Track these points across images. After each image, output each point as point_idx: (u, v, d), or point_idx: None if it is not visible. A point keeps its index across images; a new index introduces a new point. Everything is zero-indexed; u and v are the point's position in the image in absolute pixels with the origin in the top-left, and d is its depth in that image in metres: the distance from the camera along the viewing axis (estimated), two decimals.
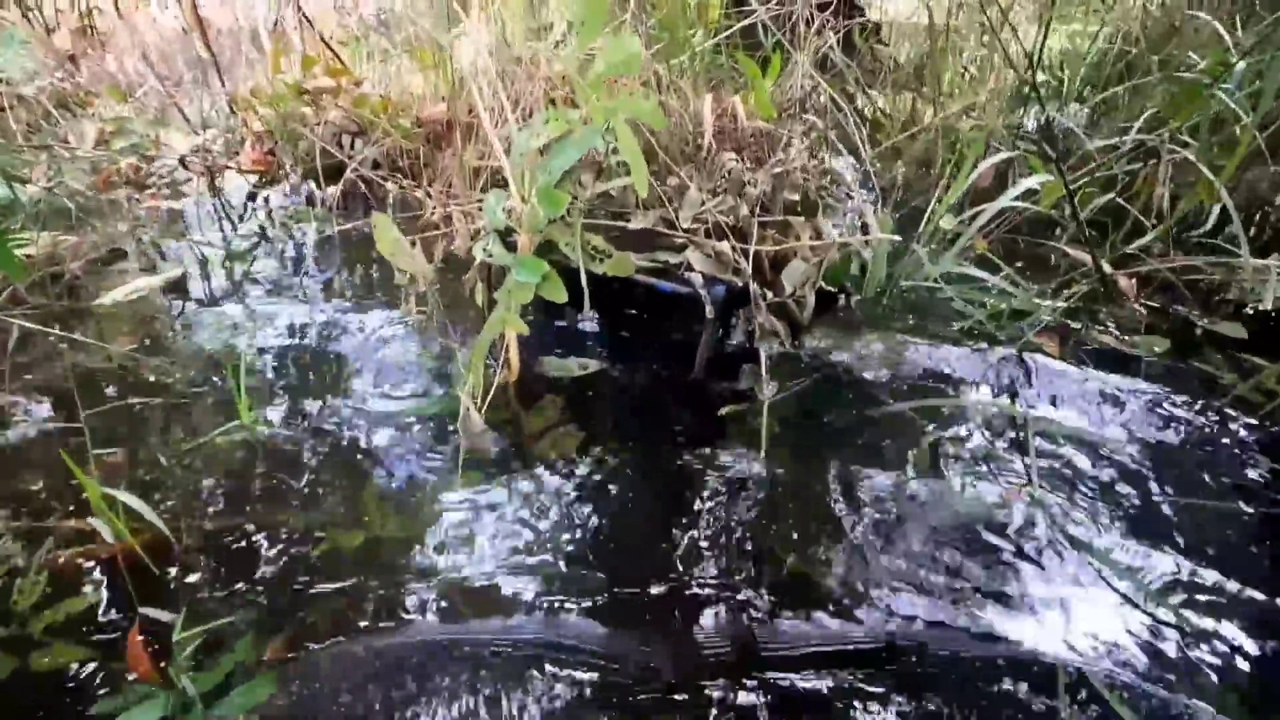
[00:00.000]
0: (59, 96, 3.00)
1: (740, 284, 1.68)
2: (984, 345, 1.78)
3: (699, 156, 2.42)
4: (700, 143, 2.51)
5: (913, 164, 2.75)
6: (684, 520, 1.29)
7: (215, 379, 1.62)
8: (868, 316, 1.89)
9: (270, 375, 1.67)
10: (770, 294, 1.75)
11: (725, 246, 1.70)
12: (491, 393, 1.58)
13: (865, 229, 1.98)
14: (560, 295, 1.48)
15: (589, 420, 1.56)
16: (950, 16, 2.98)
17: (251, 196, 2.74)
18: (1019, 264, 2.14)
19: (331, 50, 3.19)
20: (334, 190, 2.64)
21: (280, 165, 2.85)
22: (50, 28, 3.27)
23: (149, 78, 3.01)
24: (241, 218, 2.54)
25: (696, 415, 1.57)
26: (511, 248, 1.56)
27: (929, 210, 2.30)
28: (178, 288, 2.06)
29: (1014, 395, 1.61)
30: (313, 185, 2.81)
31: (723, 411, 1.58)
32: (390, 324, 1.85)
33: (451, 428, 1.53)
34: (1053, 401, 1.60)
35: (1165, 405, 1.59)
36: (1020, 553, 1.23)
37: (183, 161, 2.82)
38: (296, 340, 1.80)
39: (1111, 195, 2.06)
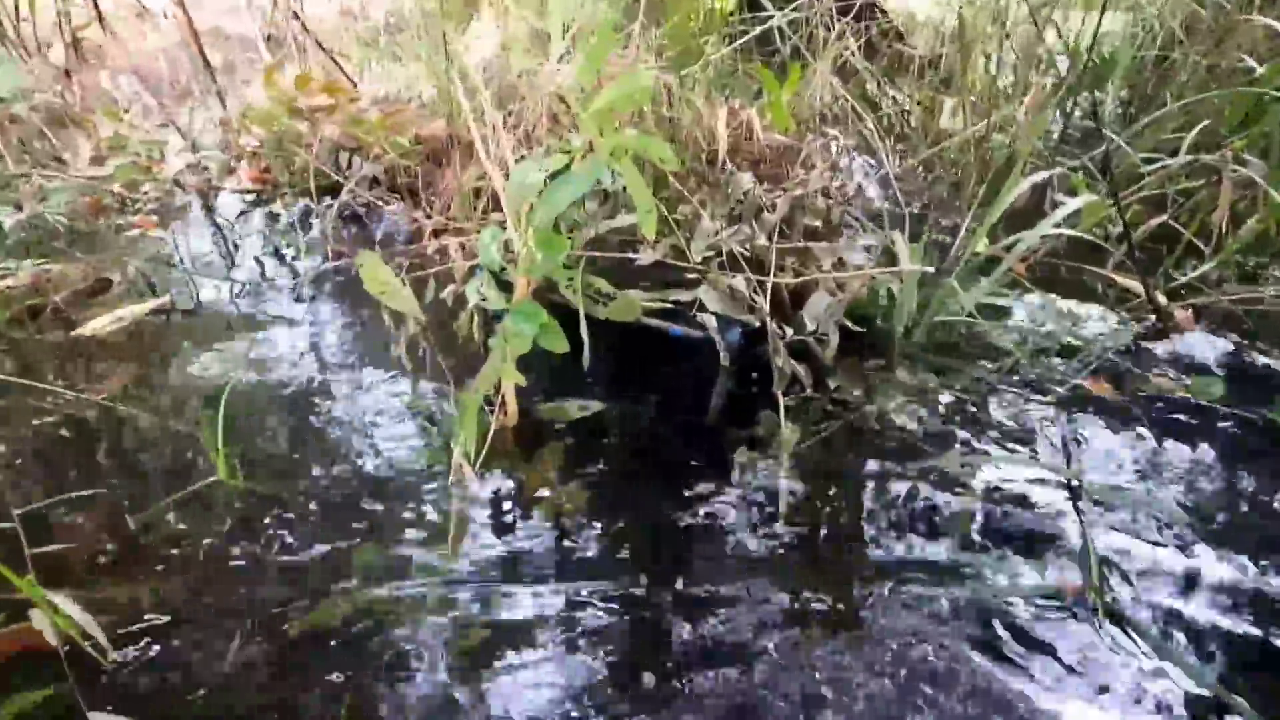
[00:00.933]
0: (53, 114, 2.91)
1: (758, 324, 1.54)
2: (1026, 389, 1.63)
3: (713, 174, 2.28)
4: (714, 158, 2.37)
5: (942, 179, 2.59)
6: (683, 624, 1.14)
7: (193, 426, 1.51)
8: (897, 354, 1.74)
9: (254, 422, 1.56)
10: (790, 332, 1.61)
11: (741, 282, 1.56)
12: (488, 441, 1.46)
13: (893, 257, 1.83)
14: (560, 346, 1.34)
15: (591, 474, 1.43)
16: (979, 17, 2.81)
17: (246, 217, 2.63)
18: (1061, 292, 1.98)
19: (335, 62, 3.08)
20: (331, 211, 2.52)
21: (276, 184, 2.74)
22: (42, 44, 3.19)
23: (144, 94, 2.91)
24: (235, 245, 2.43)
25: (709, 468, 1.43)
26: (508, 287, 1.43)
27: (961, 232, 2.14)
28: (163, 318, 1.95)
29: (1065, 454, 1.45)
30: (310, 204, 2.70)
31: (738, 461, 1.45)
32: (383, 366, 1.73)
33: (445, 484, 1.40)
34: (1106, 460, 1.45)
35: (1228, 464, 1.43)
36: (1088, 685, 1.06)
37: (177, 181, 2.73)
38: (283, 381, 1.69)
39: (1164, 217, 1.89)
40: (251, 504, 1.34)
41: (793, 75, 2.50)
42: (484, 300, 1.41)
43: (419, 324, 1.59)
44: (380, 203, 2.57)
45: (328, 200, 2.50)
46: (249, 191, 2.78)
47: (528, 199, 1.38)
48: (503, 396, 1.50)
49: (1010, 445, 1.49)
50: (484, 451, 1.43)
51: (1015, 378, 1.66)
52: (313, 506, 1.34)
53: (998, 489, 1.37)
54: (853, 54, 2.81)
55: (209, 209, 2.65)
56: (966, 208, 2.31)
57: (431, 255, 2.25)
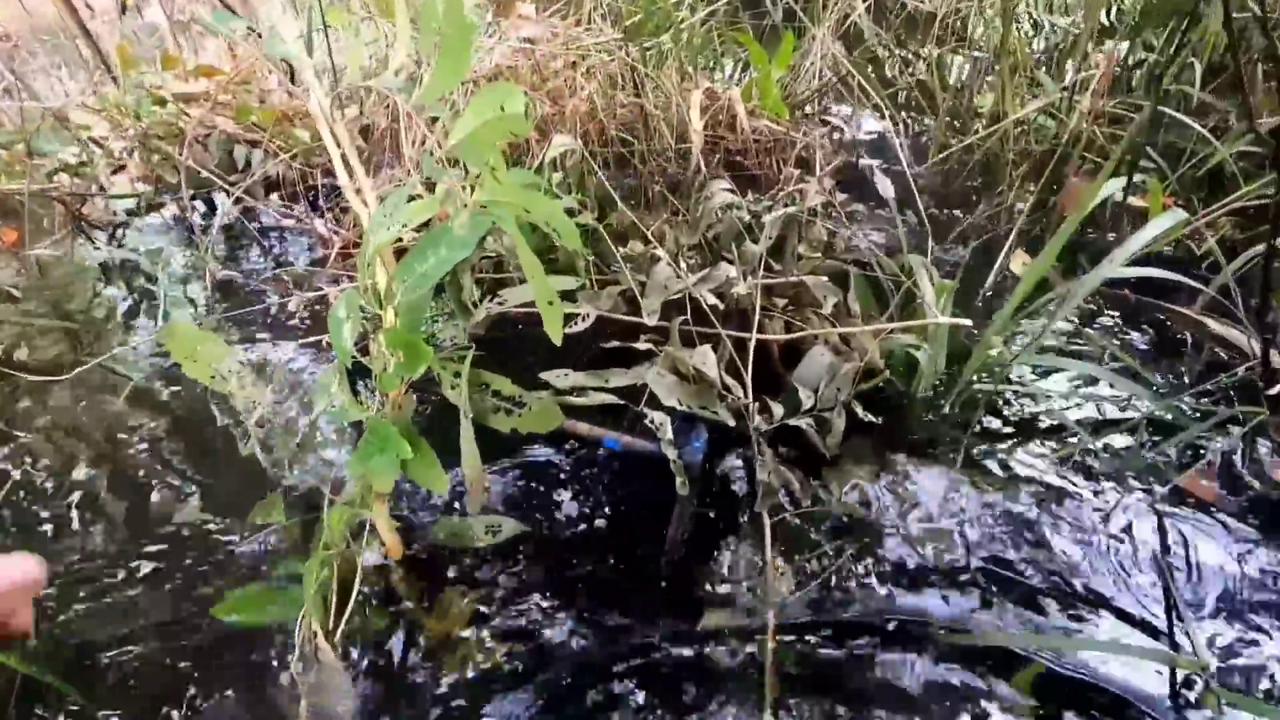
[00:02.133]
0: None
1: (731, 420, 1.10)
2: (1102, 494, 1.20)
3: (684, 176, 1.82)
4: (686, 153, 1.90)
5: (972, 179, 2.11)
6: None
7: None
8: (921, 436, 1.31)
9: (47, 533, 1.14)
10: (777, 413, 1.17)
11: (708, 359, 1.12)
12: (355, 590, 1.04)
13: (910, 297, 1.38)
14: (438, 484, 0.92)
15: (498, 634, 1.02)
16: None
17: (122, 231, 2.17)
18: (1131, 339, 1.54)
19: (228, 44, 2.57)
20: (216, 222, 2.06)
21: (164, 186, 2.27)
22: None
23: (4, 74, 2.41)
24: (104, 267, 1.98)
25: (666, 631, 1.02)
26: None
27: (1000, 257, 1.68)
28: None
29: (1171, 614, 1.03)
30: (201, 210, 2.24)
31: (705, 625, 1.03)
32: (222, 473, 1.29)
33: (289, 660, 0.99)
34: (1227, 615, 1.03)
35: None
36: None
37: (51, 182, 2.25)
38: (87, 483, 1.26)
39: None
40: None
41: (785, 45, 2.01)
42: (334, 409, 0.97)
43: (263, 422, 1.16)
44: (285, 211, 2.10)
45: (226, 206, 2.04)
46: (134, 196, 2.30)
47: (389, 254, 0.95)
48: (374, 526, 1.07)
49: (1084, 593, 1.07)
50: (351, 605, 1.02)
51: (1085, 474, 1.23)
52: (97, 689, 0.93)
53: (1080, 692, 0.96)
54: (859, 16, 2.31)
55: (79, 219, 2.17)
56: (1003, 219, 1.85)
57: (339, 284, 1.80)
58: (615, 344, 1.23)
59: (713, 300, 1.25)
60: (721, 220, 1.46)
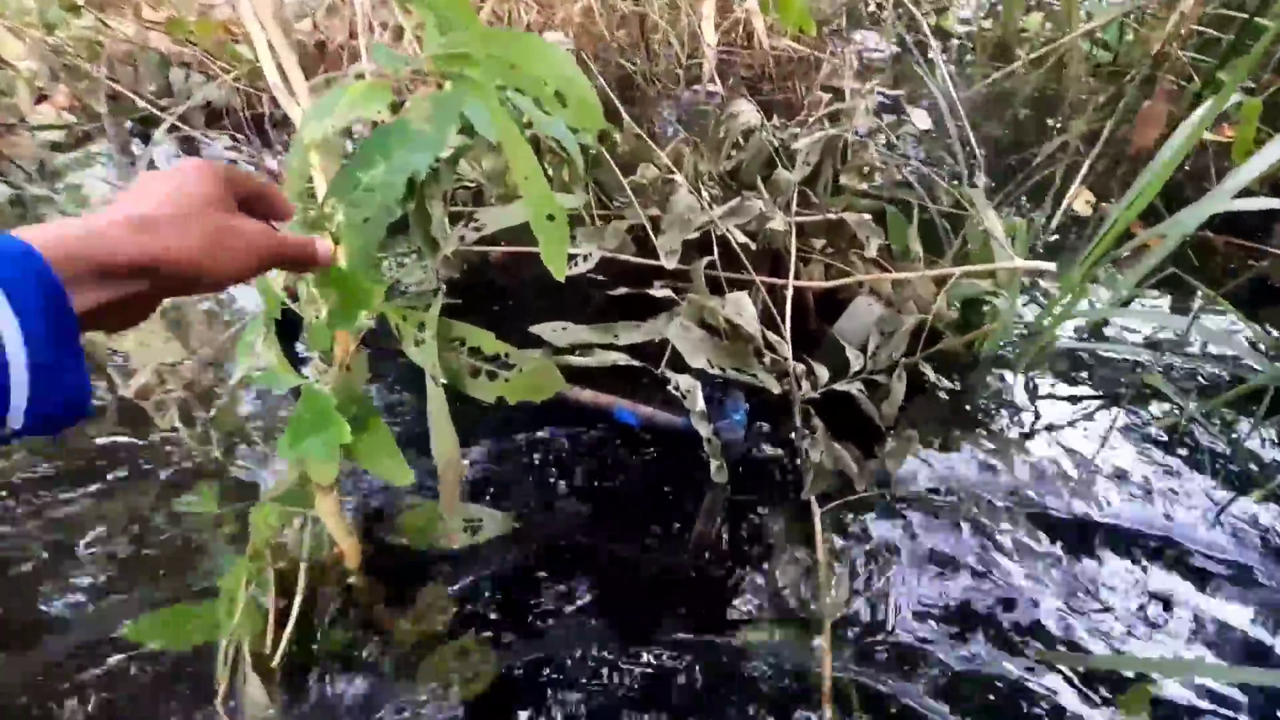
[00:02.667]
0: None
1: (777, 389, 0.87)
2: (1218, 473, 1.00)
3: (695, 101, 1.56)
4: (694, 76, 1.63)
5: (1020, 109, 1.86)
6: None
7: None
8: (992, 401, 1.10)
9: None
10: (822, 375, 0.95)
11: (747, 309, 0.88)
12: (295, 607, 0.81)
13: (964, 245, 1.15)
14: (399, 475, 0.69)
15: (483, 658, 0.80)
16: None
17: (45, 165, 1.87)
18: (1232, 291, 1.32)
19: None
20: (147, 155, 1.77)
21: (92, 116, 1.97)
22: None
23: None
24: (18, 203, 1.70)
25: (692, 651, 0.81)
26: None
27: (1070, 195, 1.45)
28: None
29: None
30: (136, 143, 1.94)
31: (741, 643, 0.82)
32: (139, 458, 1.05)
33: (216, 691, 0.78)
34: None
35: None
36: None
37: None
38: None
39: None
40: None
41: None
42: (259, 374, 0.73)
43: (191, 392, 0.92)
44: (231, 145, 1.81)
45: (159, 136, 1.75)
46: (58, 127, 2.00)
47: (329, 163, 0.71)
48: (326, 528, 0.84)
49: (1219, 613, 0.87)
50: (291, 625, 0.80)
51: (1193, 463, 1.03)
52: None
53: None
54: None
55: None
56: (1061, 149, 1.61)
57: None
58: (624, 291, 0.99)
59: (742, 238, 1.01)
60: (745, 145, 1.21)
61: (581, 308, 0.97)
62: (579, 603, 0.84)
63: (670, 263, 0.93)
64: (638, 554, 0.88)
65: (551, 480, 0.94)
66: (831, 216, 1.17)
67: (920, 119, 1.64)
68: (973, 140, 1.45)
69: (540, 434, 0.97)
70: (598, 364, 0.83)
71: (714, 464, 0.77)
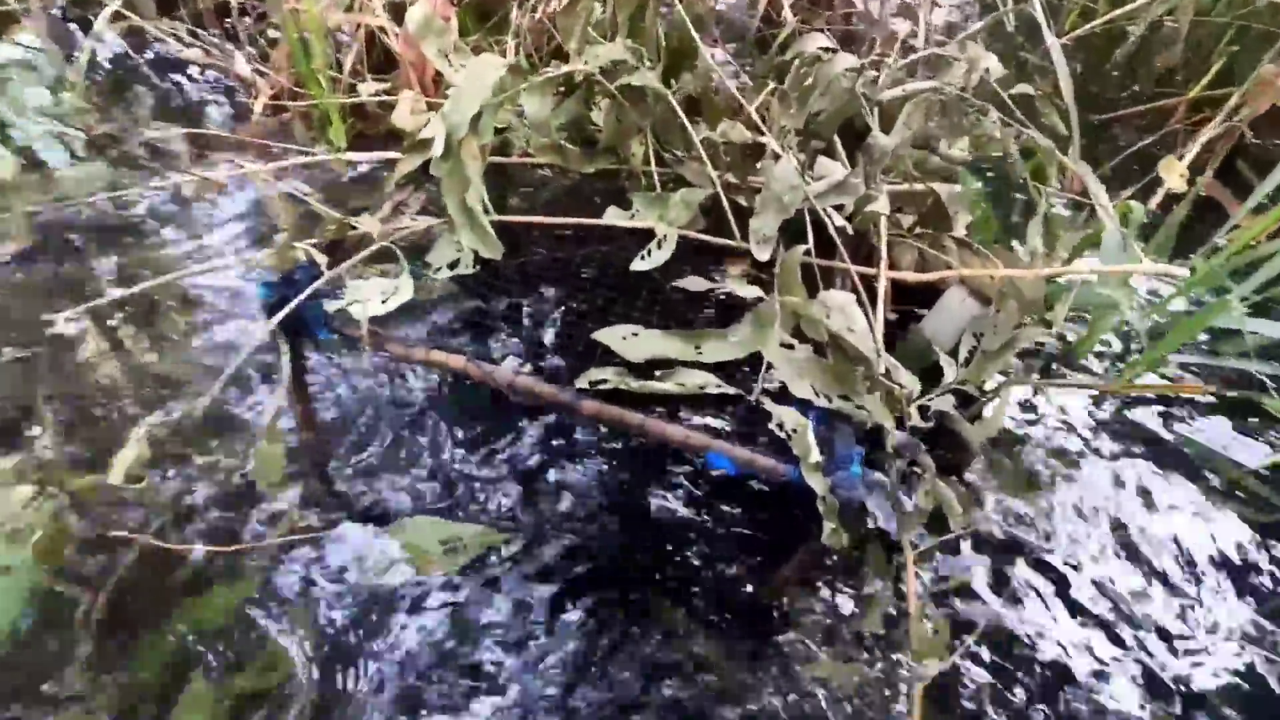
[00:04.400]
0: None
1: (889, 423, 0.73)
2: None
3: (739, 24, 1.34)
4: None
5: (1115, 63, 1.65)
6: None
7: None
8: (1103, 418, 0.98)
9: None
10: (910, 388, 0.81)
11: (858, 318, 0.72)
12: None
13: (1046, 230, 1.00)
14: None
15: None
16: None
17: None
18: None
19: None
20: (93, 40, 1.48)
21: None
22: None
23: None
24: None
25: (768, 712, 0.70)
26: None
27: (1167, 167, 1.28)
28: None
29: None
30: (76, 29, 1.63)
31: (827, 694, 0.71)
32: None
33: None
34: None
35: None
36: None
37: None
38: None
39: None
40: None
41: None
42: None
43: None
44: (190, 40, 1.53)
45: (101, 27, 1.45)
46: None
47: None
48: None
49: None
50: None
51: None
52: None
53: None
54: None
55: None
56: (1156, 116, 1.43)
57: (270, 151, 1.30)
58: (695, 285, 0.82)
59: (839, 220, 0.84)
60: (826, 94, 1.01)
61: (636, 299, 0.80)
62: (625, 638, 0.73)
63: (764, 253, 0.76)
64: (705, 587, 0.76)
65: (591, 495, 0.80)
66: (919, 188, 1.00)
67: (992, 64, 1.44)
68: (1069, 97, 1.26)
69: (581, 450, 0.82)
70: (680, 389, 0.68)
71: (828, 526, 0.64)
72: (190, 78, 1.53)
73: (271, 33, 1.50)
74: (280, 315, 0.64)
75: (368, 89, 1.24)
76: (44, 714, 0.65)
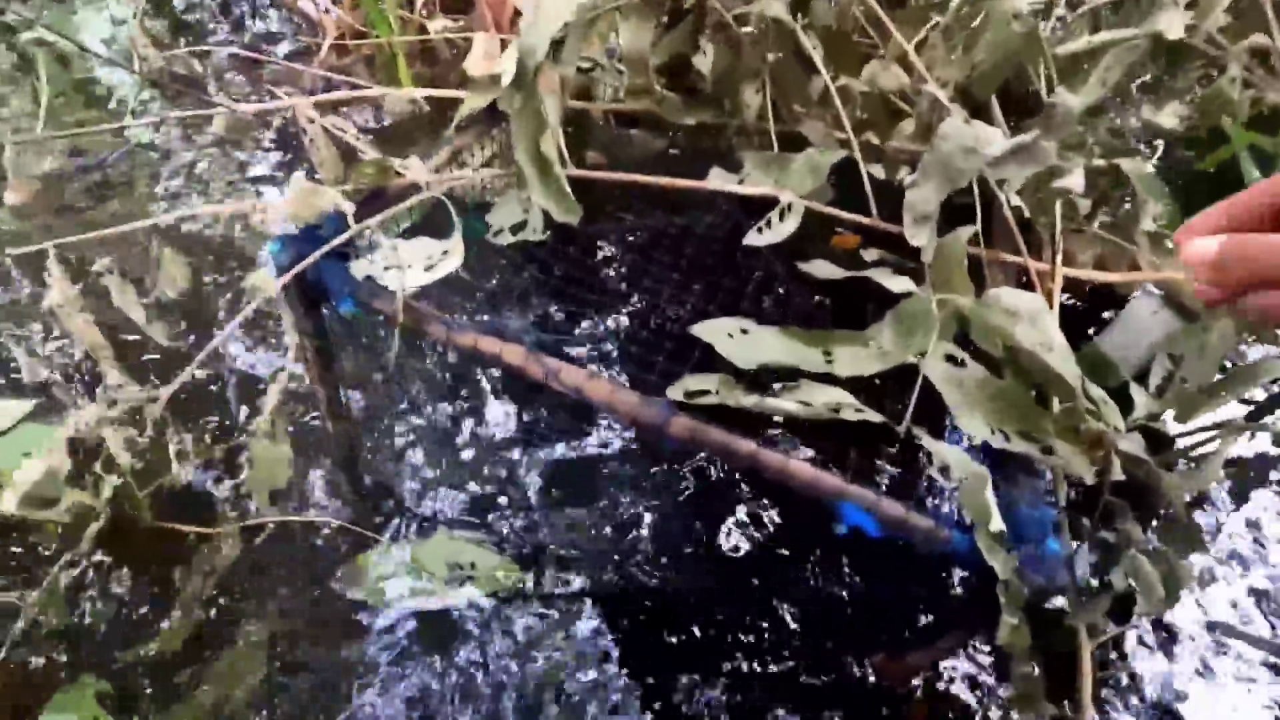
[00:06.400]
0: None
1: (1087, 475, 0.53)
2: None
3: None
4: None
5: None
6: None
7: None
8: None
9: None
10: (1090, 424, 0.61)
11: (1057, 336, 0.53)
12: None
13: None
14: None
15: None
16: None
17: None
18: None
19: None
20: None
21: None
22: None
23: None
24: None
25: None
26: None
27: None
28: None
29: None
30: None
31: None
32: None
33: None
34: None
35: None
36: None
37: None
38: None
39: None
40: None
41: None
42: None
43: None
44: None
45: None
46: None
47: None
48: None
49: None
50: None
51: None
52: None
53: None
54: None
55: None
56: None
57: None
58: (817, 268, 0.64)
59: (1015, 198, 0.65)
60: (993, 41, 0.80)
61: (719, 279, 0.62)
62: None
63: (921, 236, 0.57)
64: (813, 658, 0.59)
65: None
66: (1100, 164, 0.79)
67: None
68: None
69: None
70: (805, 411, 0.50)
71: (1008, 620, 0.45)
72: (255, 13, 1.42)
73: None
74: (286, 278, 0.49)
75: (437, 26, 1.10)
76: None
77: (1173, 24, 0.76)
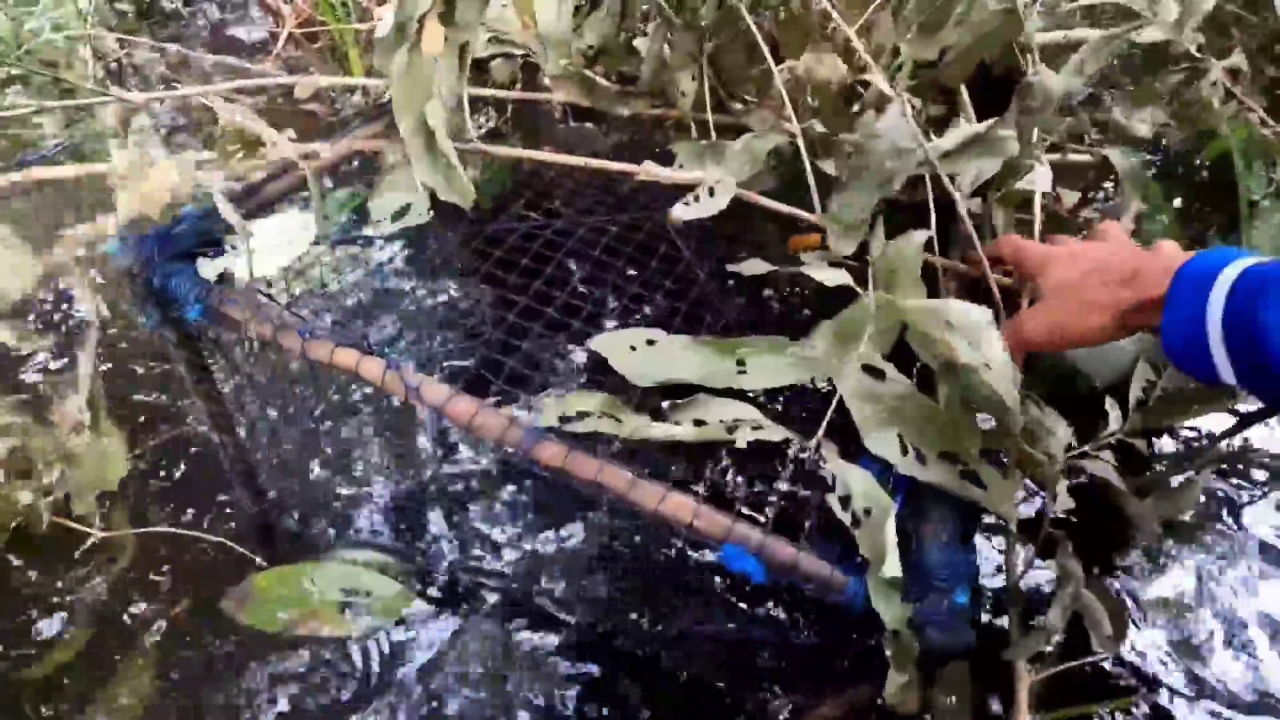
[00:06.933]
0: None
1: (1017, 506, 0.48)
2: None
3: None
4: None
5: None
6: None
7: None
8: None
9: None
10: (1060, 437, 0.54)
11: (996, 354, 0.47)
12: None
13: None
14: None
15: None
16: None
17: None
18: None
19: None
20: None
21: None
22: None
23: None
24: None
25: None
26: None
27: None
28: None
29: None
30: None
31: None
32: None
33: None
34: None
35: None
36: None
37: None
38: None
39: None
40: None
41: None
42: None
43: None
44: None
45: None
46: None
47: None
48: None
49: None
50: None
51: None
52: None
53: None
54: None
55: None
56: None
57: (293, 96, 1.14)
58: (746, 267, 0.59)
59: (966, 196, 0.59)
60: (962, 22, 0.74)
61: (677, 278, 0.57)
62: None
63: (848, 245, 0.52)
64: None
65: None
66: (1084, 157, 0.73)
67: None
68: None
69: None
70: (695, 435, 0.44)
71: (895, 678, 0.39)
72: (220, 4, 1.38)
73: None
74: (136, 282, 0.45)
75: (382, 12, 1.05)
76: None
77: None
